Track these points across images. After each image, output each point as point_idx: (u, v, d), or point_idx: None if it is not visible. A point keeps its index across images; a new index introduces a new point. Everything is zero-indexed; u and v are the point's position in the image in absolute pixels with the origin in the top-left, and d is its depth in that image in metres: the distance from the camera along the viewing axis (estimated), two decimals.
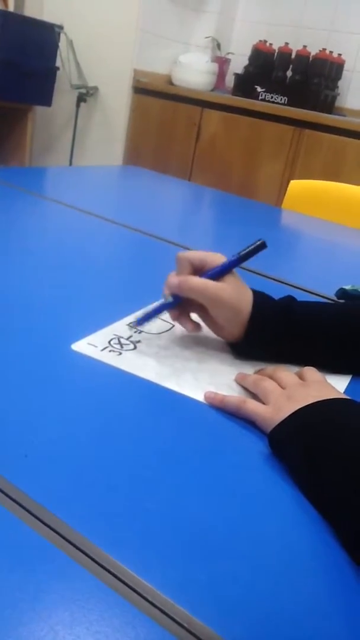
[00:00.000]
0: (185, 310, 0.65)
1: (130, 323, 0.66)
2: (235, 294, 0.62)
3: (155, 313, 0.65)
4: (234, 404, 0.53)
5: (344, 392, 0.59)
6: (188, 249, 1.02)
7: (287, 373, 0.58)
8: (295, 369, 0.60)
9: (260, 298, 0.64)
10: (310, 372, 0.58)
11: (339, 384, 0.60)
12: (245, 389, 0.58)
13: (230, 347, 0.66)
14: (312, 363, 0.61)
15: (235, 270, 0.63)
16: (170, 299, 0.63)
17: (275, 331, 0.63)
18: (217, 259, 0.63)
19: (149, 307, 0.65)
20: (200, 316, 0.65)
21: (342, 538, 0.40)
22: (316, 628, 0.34)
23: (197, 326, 0.65)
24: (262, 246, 0.63)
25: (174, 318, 0.65)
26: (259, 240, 0.63)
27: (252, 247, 0.63)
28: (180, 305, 0.64)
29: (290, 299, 0.66)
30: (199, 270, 0.63)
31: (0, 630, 0.30)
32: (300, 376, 0.57)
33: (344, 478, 0.42)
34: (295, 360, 0.63)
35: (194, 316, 0.66)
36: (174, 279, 0.62)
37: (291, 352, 0.64)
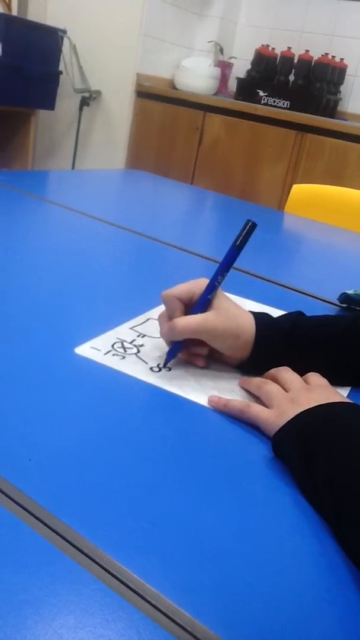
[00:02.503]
0: (191, 347, 0.62)
1: (155, 367, 0.61)
2: (228, 319, 0.60)
3: (171, 356, 0.61)
4: (237, 408, 0.53)
5: (347, 397, 0.59)
6: (191, 252, 1.03)
7: (291, 375, 0.58)
8: None
9: (261, 320, 0.62)
10: (315, 376, 0.58)
11: (342, 389, 0.60)
12: (249, 392, 0.58)
13: (238, 367, 0.63)
14: (323, 371, 0.59)
15: (224, 293, 0.62)
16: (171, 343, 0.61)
17: (280, 351, 0.61)
18: (203, 284, 0.60)
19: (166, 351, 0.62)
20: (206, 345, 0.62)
21: (344, 542, 0.40)
22: (318, 632, 0.34)
23: (204, 359, 0.62)
24: (253, 227, 0.60)
25: (185, 360, 0.62)
26: (248, 222, 0.60)
27: (244, 232, 0.60)
28: (185, 342, 0.61)
29: (297, 315, 0.64)
30: (189, 302, 0.61)
31: (5, 633, 0.30)
32: (305, 380, 0.57)
33: (346, 482, 0.42)
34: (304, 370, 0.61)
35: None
36: (164, 327, 0.61)
37: (298, 369, 0.60)
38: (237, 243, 0.61)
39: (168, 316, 0.61)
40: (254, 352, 0.61)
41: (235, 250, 0.61)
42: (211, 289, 0.60)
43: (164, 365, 0.61)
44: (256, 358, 0.61)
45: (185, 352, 0.62)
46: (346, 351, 0.62)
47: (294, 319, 0.64)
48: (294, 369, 0.60)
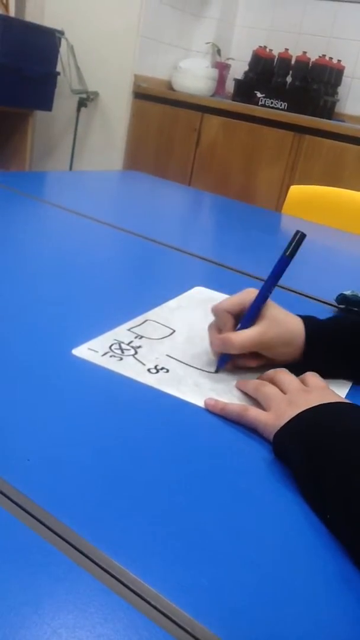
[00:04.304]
0: (239, 359, 0.64)
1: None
2: (279, 328, 0.62)
3: (222, 365, 0.63)
4: (235, 412, 0.54)
5: (345, 397, 0.59)
6: (188, 253, 1.03)
7: (288, 377, 0.58)
8: (295, 366, 0.60)
9: (310, 323, 0.64)
10: (313, 377, 0.58)
11: (340, 390, 0.61)
12: (246, 394, 0.58)
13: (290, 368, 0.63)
14: None
15: (273, 302, 0.63)
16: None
17: (330, 351, 0.64)
18: (252, 295, 0.62)
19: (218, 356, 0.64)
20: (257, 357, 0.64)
21: (344, 543, 0.41)
22: (318, 632, 0.34)
23: (259, 360, 0.64)
24: (303, 237, 0.62)
25: (233, 368, 0.63)
26: (297, 232, 0.62)
27: (294, 242, 0.62)
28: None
29: (343, 317, 0.68)
30: (239, 314, 0.63)
31: (4, 633, 0.30)
32: (303, 381, 0.57)
33: (345, 482, 0.43)
34: (354, 372, 0.65)
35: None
36: (215, 339, 0.62)
37: (351, 369, 0.65)
38: (287, 253, 0.62)
39: (218, 328, 0.63)
40: (306, 355, 0.63)
41: (286, 260, 0.62)
42: (261, 299, 0.62)
43: (216, 371, 0.62)
44: (307, 360, 0.63)
45: (231, 363, 0.63)
46: None
47: (340, 321, 0.68)
48: (345, 369, 0.64)
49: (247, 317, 0.62)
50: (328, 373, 0.62)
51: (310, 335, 0.63)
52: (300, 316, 0.65)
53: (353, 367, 0.65)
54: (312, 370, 0.60)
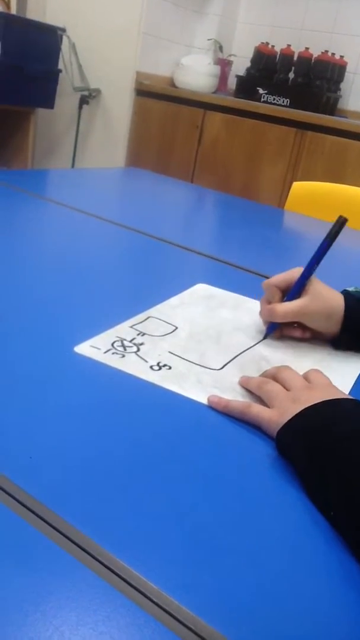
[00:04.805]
0: (286, 329, 0.71)
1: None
2: (320, 302, 0.68)
3: (270, 331, 0.71)
4: (238, 409, 0.53)
5: (349, 394, 0.59)
6: (191, 250, 1.03)
7: (292, 374, 0.58)
8: (310, 362, 0.60)
9: (351, 299, 0.69)
10: (316, 374, 0.58)
11: (344, 387, 0.60)
12: (249, 391, 0.58)
13: (331, 343, 0.71)
14: None
15: (318, 279, 0.70)
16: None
17: None
18: (298, 272, 0.69)
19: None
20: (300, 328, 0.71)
21: (347, 540, 0.40)
22: (321, 629, 0.34)
23: (304, 332, 0.71)
24: (344, 221, 0.68)
25: (279, 337, 0.71)
26: (340, 217, 0.68)
27: (336, 227, 0.68)
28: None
29: None
30: (286, 289, 0.70)
31: (6, 630, 0.30)
32: (306, 378, 0.57)
33: (349, 479, 0.42)
34: None
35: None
36: (264, 309, 0.71)
37: None
38: (331, 235, 0.69)
39: (267, 300, 0.72)
40: (343, 329, 0.69)
41: (328, 241, 0.69)
42: (306, 276, 0.69)
43: (264, 338, 0.70)
44: (345, 334, 0.69)
45: (279, 331, 0.71)
46: None
47: None
48: None
49: (292, 291, 0.69)
50: None
51: (349, 310, 0.68)
52: (345, 293, 0.70)
53: None
54: (353, 345, 0.69)
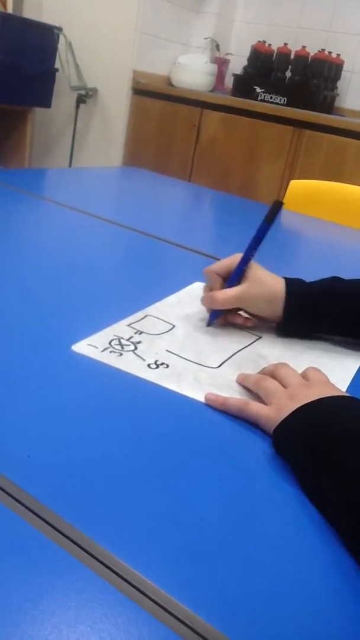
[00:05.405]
0: (229, 315, 0.72)
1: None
2: (260, 287, 0.68)
3: (212, 319, 0.72)
4: (236, 407, 0.53)
5: (346, 392, 0.59)
6: (189, 249, 1.03)
7: (289, 371, 0.58)
8: (307, 360, 0.60)
9: (292, 285, 0.69)
10: (314, 372, 0.58)
11: (341, 384, 0.60)
12: (247, 389, 0.58)
13: (276, 328, 0.72)
14: (348, 333, 0.71)
15: (258, 264, 0.70)
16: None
17: (313, 312, 0.68)
18: (238, 258, 0.69)
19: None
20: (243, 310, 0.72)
21: (344, 537, 0.41)
22: (318, 627, 0.34)
23: (247, 320, 0.72)
24: (280, 204, 0.68)
25: (223, 323, 0.72)
26: (276, 201, 0.68)
27: (273, 210, 0.68)
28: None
29: (332, 279, 0.72)
30: (227, 275, 0.70)
31: (5, 629, 0.30)
32: (304, 376, 0.57)
33: (345, 476, 0.42)
34: (334, 333, 0.71)
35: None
36: (205, 298, 0.71)
37: (329, 325, 0.71)
38: (267, 218, 0.68)
39: (209, 288, 0.72)
40: (285, 314, 0.69)
41: (265, 225, 0.68)
42: (245, 261, 0.69)
43: (207, 325, 0.71)
44: (288, 320, 0.69)
45: (223, 318, 0.72)
46: None
47: (328, 282, 0.71)
48: (327, 327, 0.70)
49: (232, 277, 0.70)
50: (306, 332, 0.71)
51: (290, 294, 0.68)
52: (285, 278, 0.70)
53: (331, 327, 0.71)
54: (297, 332, 0.70)
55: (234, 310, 0.72)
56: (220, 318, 0.72)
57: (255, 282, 0.68)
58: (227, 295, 0.68)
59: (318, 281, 0.71)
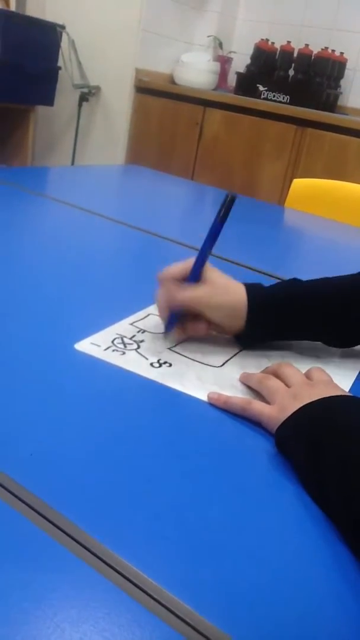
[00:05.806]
0: (188, 320, 0.65)
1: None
2: (220, 291, 0.63)
3: (170, 326, 0.65)
4: (238, 405, 0.53)
5: (349, 391, 0.59)
6: (191, 247, 1.02)
7: (292, 370, 0.58)
8: (310, 359, 0.60)
9: (253, 290, 0.64)
10: (318, 371, 0.58)
11: (344, 384, 0.60)
12: (250, 388, 0.58)
13: (235, 338, 0.66)
14: (312, 338, 0.67)
15: (214, 267, 0.64)
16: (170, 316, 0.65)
17: (274, 318, 0.65)
18: (192, 263, 0.63)
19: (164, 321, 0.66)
20: (203, 319, 0.65)
21: (346, 536, 0.40)
22: (321, 626, 0.34)
23: (205, 327, 0.65)
24: (233, 199, 0.61)
25: (182, 334, 0.65)
26: (227, 195, 0.62)
27: (225, 205, 0.62)
28: (182, 317, 0.65)
29: (291, 282, 0.67)
30: (183, 280, 0.64)
31: (7, 628, 0.30)
32: (307, 376, 0.57)
33: (347, 476, 0.42)
34: (297, 338, 0.68)
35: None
36: (161, 301, 0.64)
37: (292, 332, 0.67)
38: (220, 216, 0.62)
39: (164, 294, 0.64)
40: (248, 322, 0.63)
41: (218, 224, 0.62)
42: (200, 262, 0.63)
43: (164, 333, 0.65)
44: (250, 327, 0.63)
45: (180, 328, 0.65)
46: (355, 306, 0.65)
47: (288, 286, 0.67)
48: (291, 336, 0.67)
49: (190, 278, 0.63)
50: (267, 338, 0.67)
51: (252, 302, 0.63)
52: (245, 284, 0.65)
53: (295, 334, 0.67)
54: (258, 338, 0.66)
55: (193, 321, 0.65)
56: (178, 330, 0.65)
57: (219, 289, 0.63)
58: (188, 293, 0.62)
59: (278, 286, 0.67)
